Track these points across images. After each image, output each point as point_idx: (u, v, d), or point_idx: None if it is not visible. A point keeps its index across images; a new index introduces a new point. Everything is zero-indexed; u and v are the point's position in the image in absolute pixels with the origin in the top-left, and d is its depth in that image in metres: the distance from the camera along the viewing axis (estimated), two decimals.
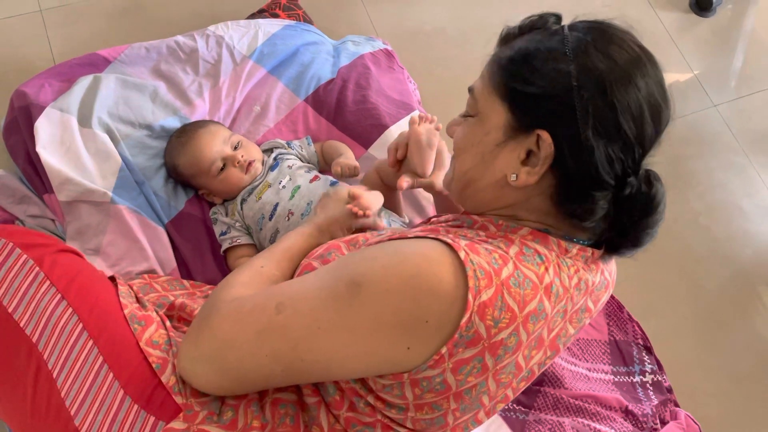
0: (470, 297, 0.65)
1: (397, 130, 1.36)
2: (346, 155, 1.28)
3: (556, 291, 0.71)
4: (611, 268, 0.84)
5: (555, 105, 0.70)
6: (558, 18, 0.77)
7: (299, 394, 0.80)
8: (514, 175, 0.73)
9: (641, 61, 0.71)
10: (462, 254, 0.66)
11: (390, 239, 0.74)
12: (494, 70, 0.75)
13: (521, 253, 0.71)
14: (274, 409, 0.77)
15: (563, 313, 0.75)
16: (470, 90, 0.79)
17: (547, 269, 0.71)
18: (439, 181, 1.04)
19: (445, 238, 0.69)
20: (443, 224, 0.82)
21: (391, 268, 0.66)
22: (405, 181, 1.01)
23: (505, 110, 0.73)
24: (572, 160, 0.70)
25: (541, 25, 0.76)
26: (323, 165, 1.33)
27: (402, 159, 1.04)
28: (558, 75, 0.70)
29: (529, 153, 0.72)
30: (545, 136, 0.70)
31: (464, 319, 0.65)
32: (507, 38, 0.79)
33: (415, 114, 1.04)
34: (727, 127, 1.82)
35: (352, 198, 0.99)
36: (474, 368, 0.69)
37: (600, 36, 0.71)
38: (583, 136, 0.68)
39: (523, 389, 0.82)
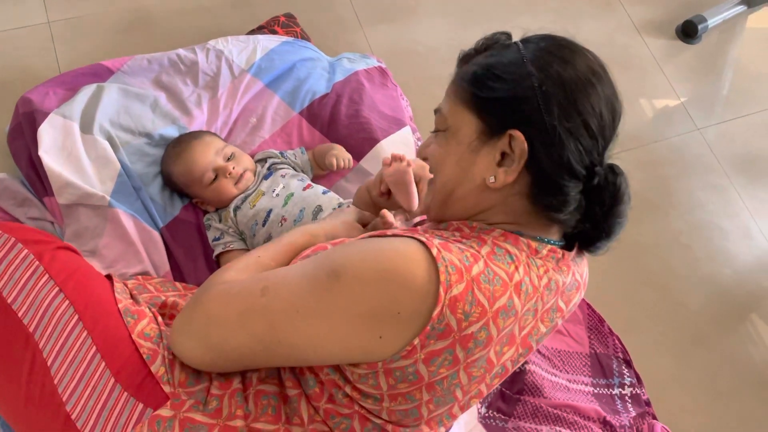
0: (441, 291, 0.69)
1: (387, 144, 1.41)
2: (339, 149, 1.33)
3: (525, 289, 0.76)
4: (582, 270, 0.88)
5: (521, 105, 0.76)
6: (508, 35, 0.84)
7: (281, 386, 0.84)
8: (493, 177, 0.78)
9: (592, 62, 0.78)
10: (434, 251, 0.71)
11: (371, 236, 0.79)
12: (460, 86, 0.82)
13: (492, 252, 0.75)
14: (257, 400, 0.81)
15: (534, 312, 0.79)
16: (437, 111, 0.85)
17: (517, 268, 0.75)
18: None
19: (419, 237, 0.73)
20: (423, 227, 0.86)
21: (368, 261, 0.71)
22: (398, 220, 1.04)
23: (475, 119, 0.79)
24: (545, 153, 0.75)
25: (494, 43, 0.83)
26: (316, 170, 1.37)
27: (384, 192, 1.07)
28: (520, 78, 0.76)
29: (504, 155, 0.77)
30: (517, 134, 0.75)
31: (436, 312, 0.69)
32: (465, 59, 0.85)
33: (387, 156, 1.06)
34: (709, 149, 1.87)
35: (382, 218, 0.99)
36: (445, 360, 0.73)
37: (553, 43, 0.79)
38: (550, 129, 0.74)
39: (496, 385, 0.86)
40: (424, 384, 0.75)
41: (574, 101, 0.75)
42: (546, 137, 0.75)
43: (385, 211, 0.99)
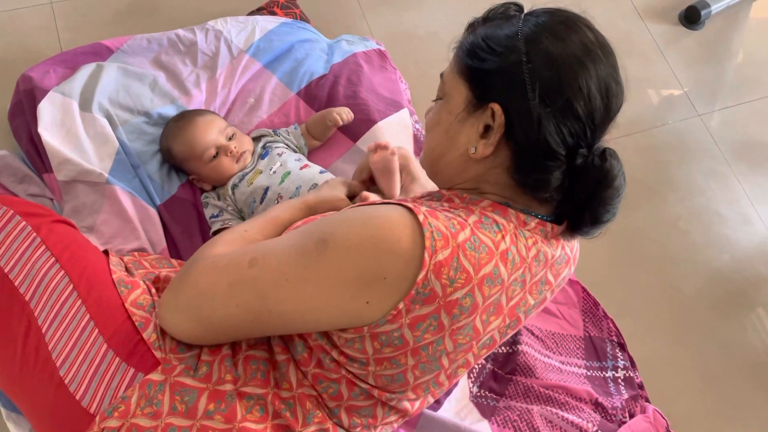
0: (426, 256, 0.70)
1: (384, 125, 1.41)
2: (336, 108, 1.35)
3: (512, 258, 0.76)
4: (573, 244, 0.89)
5: (506, 79, 0.76)
6: (519, 7, 0.84)
7: (270, 352, 0.85)
8: (474, 148, 0.79)
9: (590, 41, 0.77)
10: (421, 217, 0.72)
11: (359, 206, 0.80)
12: (459, 54, 0.82)
13: (480, 221, 0.76)
14: (246, 365, 0.83)
15: (522, 283, 0.80)
16: (441, 75, 0.86)
17: (503, 237, 0.76)
18: (413, 192, 1.10)
19: (407, 204, 0.74)
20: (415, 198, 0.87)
21: (355, 228, 0.72)
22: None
23: (466, 88, 0.80)
24: (522, 130, 0.76)
25: (502, 12, 0.83)
26: (311, 141, 1.38)
27: (366, 180, 1.10)
28: (509, 51, 0.76)
29: (487, 127, 0.78)
30: (496, 107, 0.76)
31: (421, 276, 0.70)
32: (472, 27, 0.86)
33: (371, 143, 1.09)
34: (710, 135, 1.87)
35: (362, 199, 1.03)
36: (430, 325, 0.74)
37: (551, 19, 0.78)
38: (531, 107, 0.74)
39: (485, 356, 0.87)
40: (409, 349, 0.76)
41: (560, 80, 0.74)
42: (525, 114, 0.75)
43: (365, 193, 1.02)
